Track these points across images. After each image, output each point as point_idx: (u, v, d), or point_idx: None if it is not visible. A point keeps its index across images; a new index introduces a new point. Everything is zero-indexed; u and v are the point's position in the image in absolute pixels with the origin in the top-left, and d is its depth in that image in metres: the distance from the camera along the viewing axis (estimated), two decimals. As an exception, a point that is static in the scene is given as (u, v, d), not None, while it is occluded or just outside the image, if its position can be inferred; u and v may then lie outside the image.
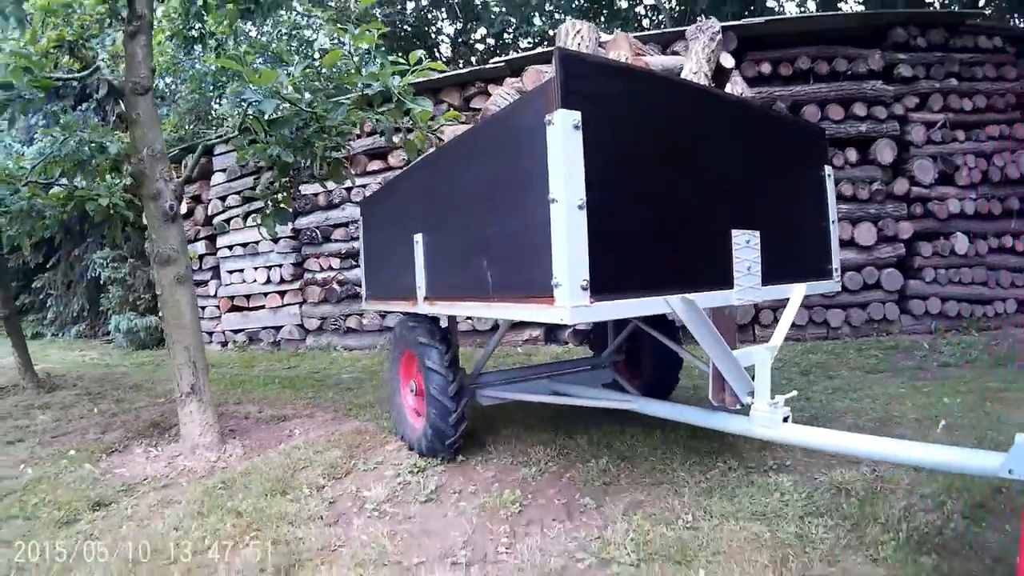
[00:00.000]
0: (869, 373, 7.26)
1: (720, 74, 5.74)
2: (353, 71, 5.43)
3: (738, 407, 3.95)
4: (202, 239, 13.38)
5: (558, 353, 9.73)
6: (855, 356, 8.22)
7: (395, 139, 5.96)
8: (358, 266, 11.86)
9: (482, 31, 20.75)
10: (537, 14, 19.95)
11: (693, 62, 5.46)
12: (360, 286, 11.81)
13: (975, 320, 9.84)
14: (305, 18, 10.80)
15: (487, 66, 11.20)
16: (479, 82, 10.99)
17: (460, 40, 20.28)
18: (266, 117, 5.38)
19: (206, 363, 5.79)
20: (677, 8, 19.93)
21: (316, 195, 11.81)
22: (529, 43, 21.15)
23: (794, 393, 3.91)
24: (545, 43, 20.55)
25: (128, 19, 5.42)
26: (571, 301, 3.08)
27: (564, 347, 10.29)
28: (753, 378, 3.77)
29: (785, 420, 3.64)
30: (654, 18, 20.56)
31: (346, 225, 12.00)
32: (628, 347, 6.23)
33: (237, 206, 12.73)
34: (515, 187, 3.59)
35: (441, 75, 6.43)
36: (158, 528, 3.97)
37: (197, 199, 13.43)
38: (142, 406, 7.88)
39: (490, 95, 10.63)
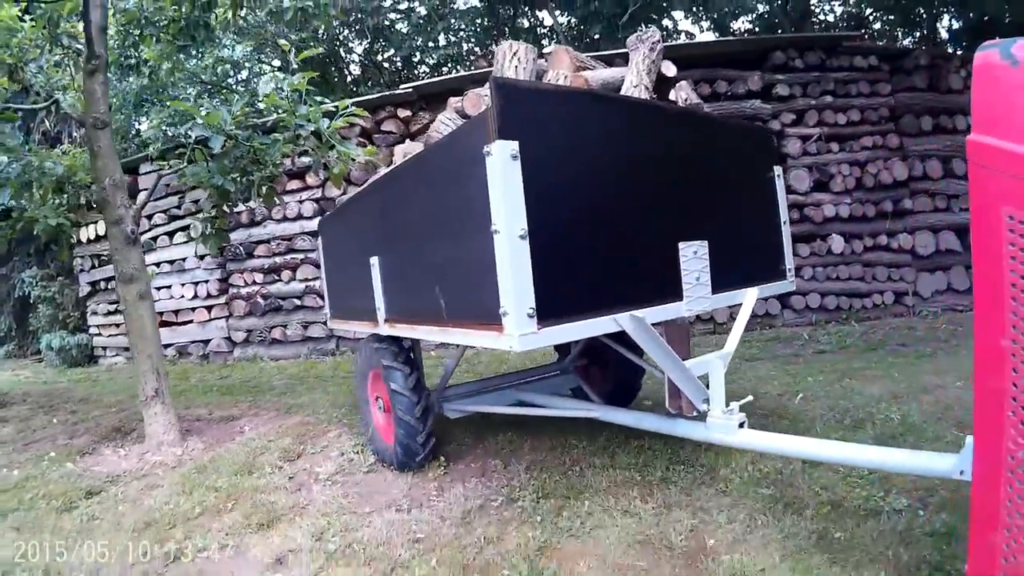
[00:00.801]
0: (747, 360, 8.44)
1: (663, 83, 5.82)
2: (288, 112, 6.29)
3: (695, 413, 4.12)
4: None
5: (469, 356, 10.73)
6: (736, 348, 9.44)
7: (322, 169, 6.92)
8: (280, 280, 12.78)
9: (390, 52, 21.70)
10: (442, 34, 21.02)
11: (633, 74, 5.52)
12: (283, 300, 12.72)
13: (854, 312, 11.17)
14: (232, 48, 11.53)
15: (396, 91, 12.17)
16: (389, 106, 11.90)
17: (369, 60, 21.13)
18: (216, 151, 6.20)
19: (166, 370, 6.68)
20: (575, 28, 21.14)
21: (239, 213, 12.48)
22: (434, 61, 22.22)
23: (750, 398, 4.11)
24: (450, 63, 21.75)
25: (87, 59, 6.13)
26: (519, 329, 3.19)
27: (472, 349, 11.21)
28: (708, 386, 3.95)
29: (741, 426, 3.84)
30: (552, 38, 21.59)
31: (268, 241, 12.79)
32: (591, 353, 6.35)
33: (163, 224, 13.43)
34: (460, 215, 3.72)
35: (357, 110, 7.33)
36: (151, 504, 4.88)
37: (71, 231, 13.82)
38: (98, 415, 8.57)
39: (399, 118, 11.76)
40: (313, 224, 12.25)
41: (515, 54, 5.79)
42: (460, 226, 3.71)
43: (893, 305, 11.44)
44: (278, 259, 12.70)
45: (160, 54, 7.48)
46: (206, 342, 13.54)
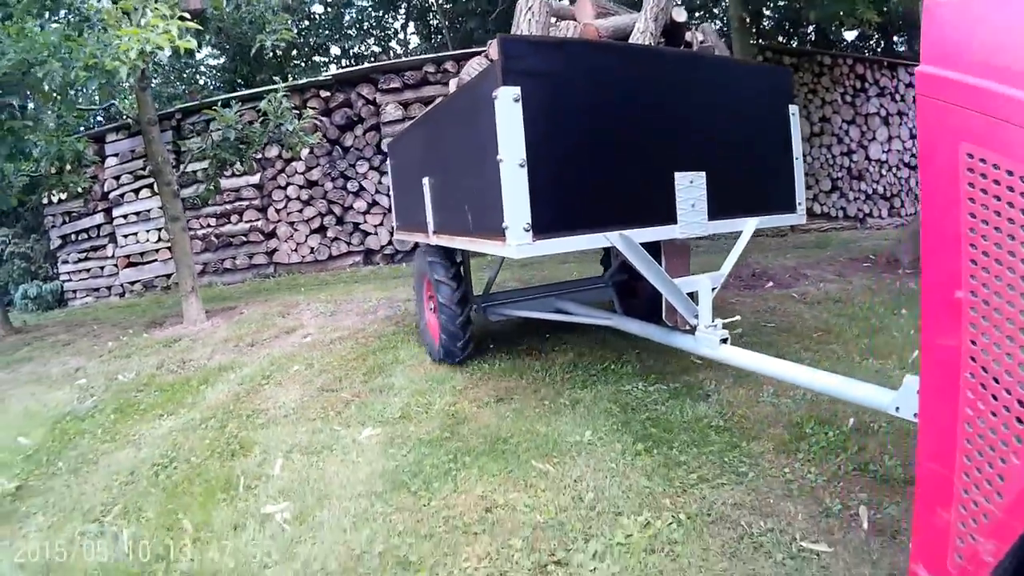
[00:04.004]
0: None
1: (677, 28, 6.23)
2: (275, 117, 10.65)
3: (688, 328, 4.77)
4: (100, 211, 17.71)
5: (373, 270, 15.46)
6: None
7: (291, 148, 11.38)
8: (230, 223, 16.80)
9: (311, 37, 26.13)
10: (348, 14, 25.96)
11: (642, 21, 5.92)
12: (232, 238, 16.63)
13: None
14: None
15: (319, 78, 16.60)
16: (313, 88, 16.18)
17: (291, 41, 25.36)
18: (232, 139, 10.64)
19: (196, 274, 11.25)
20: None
21: (195, 172, 15.61)
22: (343, 48, 27.27)
23: (737, 318, 4.85)
24: (359, 43, 26.69)
25: (140, 79, 9.99)
26: (516, 240, 3.96)
27: (377, 266, 16.13)
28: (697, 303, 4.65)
29: (724, 342, 4.41)
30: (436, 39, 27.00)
31: (220, 192, 16.45)
32: (629, 269, 6.71)
33: (129, 183, 17.19)
34: (479, 147, 4.37)
35: (285, 85, 11.56)
36: (220, 336, 9.43)
37: (94, 179, 17.17)
38: (123, 321, 12.07)
39: (321, 96, 16.04)
40: (255, 179, 16.50)
41: (529, 8, 6.10)
42: (479, 155, 4.44)
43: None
44: (228, 206, 16.74)
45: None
46: (168, 275, 17.24)
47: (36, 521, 4.63)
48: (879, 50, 26.06)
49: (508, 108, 3.94)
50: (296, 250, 16.82)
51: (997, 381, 1.85)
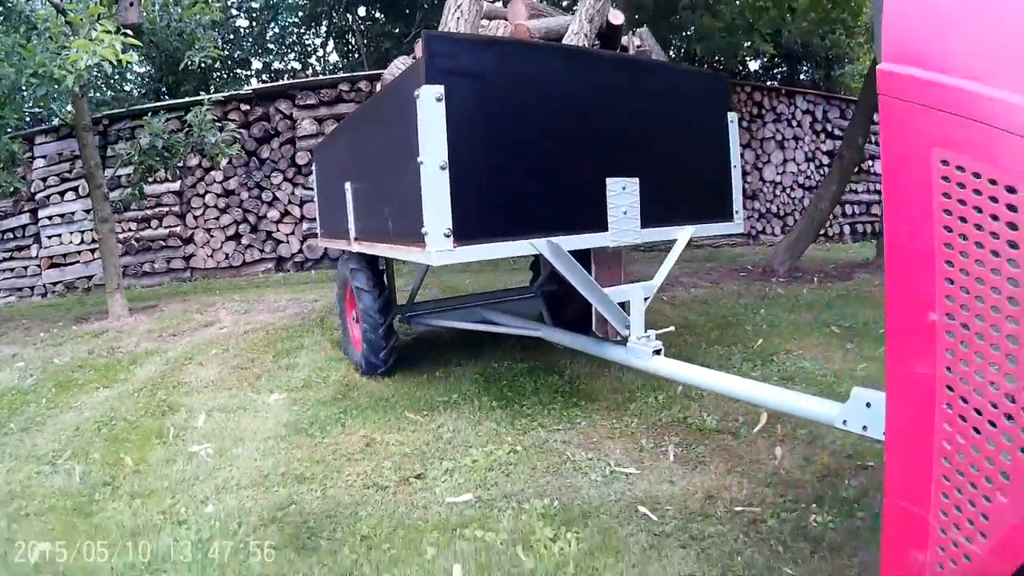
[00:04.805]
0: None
1: (613, 31, 6.09)
2: (199, 128, 11.62)
3: (619, 338, 4.76)
4: (26, 212, 18.13)
5: (284, 277, 16.44)
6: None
7: (212, 158, 12.38)
8: (150, 228, 17.46)
9: (235, 52, 27.13)
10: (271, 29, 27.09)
11: (576, 23, 5.82)
12: (152, 242, 17.36)
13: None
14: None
15: (241, 92, 17.52)
16: (234, 102, 17.02)
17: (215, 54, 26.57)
18: (159, 147, 11.62)
19: (62, 296, 12.16)
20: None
21: (118, 177, 15.89)
22: (264, 62, 28.41)
23: (671, 328, 4.92)
24: (279, 57, 27.84)
25: (81, 88, 10.79)
26: (436, 247, 3.87)
27: (287, 272, 17.04)
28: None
29: (657, 353, 4.42)
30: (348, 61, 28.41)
31: (144, 197, 16.90)
32: (559, 279, 5.98)
33: (56, 186, 17.73)
34: (401, 149, 4.27)
35: (210, 99, 12.37)
36: (144, 328, 10.36)
37: (23, 179, 16.83)
38: (50, 318, 12.33)
39: (241, 110, 16.93)
40: (175, 185, 17.23)
41: (458, 7, 5.90)
42: (400, 157, 4.27)
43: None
44: (148, 211, 17.42)
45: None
46: (89, 277, 17.80)
47: (-6, 467, 5.60)
48: (786, 76, 27.68)
49: (430, 107, 3.84)
50: (212, 256, 17.59)
51: (979, 413, 1.75)
